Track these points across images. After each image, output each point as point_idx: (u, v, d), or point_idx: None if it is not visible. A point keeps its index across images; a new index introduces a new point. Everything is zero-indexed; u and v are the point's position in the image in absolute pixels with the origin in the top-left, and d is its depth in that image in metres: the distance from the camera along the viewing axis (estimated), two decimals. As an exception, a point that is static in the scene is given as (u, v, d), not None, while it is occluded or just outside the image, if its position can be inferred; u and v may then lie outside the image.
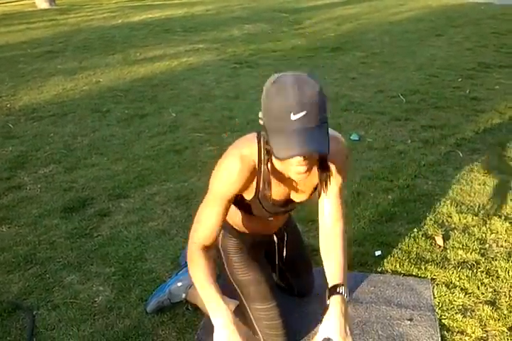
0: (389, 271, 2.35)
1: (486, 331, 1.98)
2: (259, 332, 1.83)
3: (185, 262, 1.96)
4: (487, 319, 2.04)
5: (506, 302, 2.13)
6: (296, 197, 1.67)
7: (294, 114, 1.24)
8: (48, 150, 3.79)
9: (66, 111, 4.64)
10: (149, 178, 3.30)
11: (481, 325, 2.01)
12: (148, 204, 2.97)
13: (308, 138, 1.26)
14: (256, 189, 1.56)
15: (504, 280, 2.26)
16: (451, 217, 2.77)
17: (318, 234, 1.78)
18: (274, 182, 1.56)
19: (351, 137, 3.86)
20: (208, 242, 1.56)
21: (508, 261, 2.39)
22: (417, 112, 4.41)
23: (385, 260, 2.41)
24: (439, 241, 2.55)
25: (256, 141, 1.51)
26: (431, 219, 2.75)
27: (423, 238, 2.59)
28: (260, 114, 1.35)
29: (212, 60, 6.57)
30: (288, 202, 1.68)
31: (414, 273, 2.32)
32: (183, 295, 2.07)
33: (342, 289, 1.51)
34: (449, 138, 3.84)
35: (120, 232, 2.69)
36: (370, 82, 5.35)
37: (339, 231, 1.66)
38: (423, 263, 2.39)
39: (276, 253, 2.02)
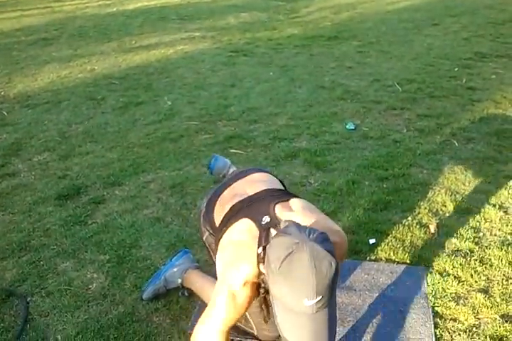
0: (383, 259, 2.35)
1: (479, 318, 2.00)
2: (251, 320, 1.83)
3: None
4: (480, 306, 2.05)
5: (499, 290, 2.14)
6: None
7: (308, 299, 1.16)
8: (42, 137, 3.77)
9: (61, 99, 4.61)
10: (144, 166, 3.29)
11: (473, 313, 2.02)
12: (142, 192, 2.96)
13: (320, 325, 1.20)
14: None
15: (497, 269, 2.27)
16: (445, 206, 2.78)
17: None
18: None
19: (347, 126, 3.85)
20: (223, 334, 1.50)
21: (502, 249, 2.40)
22: (413, 101, 4.40)
23: (379, 248, 2.42)
24: (433, 229, 2.56)
25: (254, 255, 1.39)
26: (425, 208, 2.76)
27: (417, 226, 2.60)
28: (260, 250, 1.33)
29: (207, 48, 6.53)
30: None
31: (408, 261, 2.33)
32: (179, 281, 2.07)
33: None
34: (445, 127, 3.84)
35: (114, 220, 2.68)
36: (366, 71, 5.33)
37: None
38: (417, 251, 2.40)
39: None
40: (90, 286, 2.20)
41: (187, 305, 2.06)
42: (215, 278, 1.94)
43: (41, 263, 2.35)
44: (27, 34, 7.49)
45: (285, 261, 1.17)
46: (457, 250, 2.41)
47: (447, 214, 2.70)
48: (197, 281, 2.04)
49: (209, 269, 2.26)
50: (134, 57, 6.10)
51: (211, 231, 1.76)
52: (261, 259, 1.33)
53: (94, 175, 3.18)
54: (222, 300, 1.44)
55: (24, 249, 2.46)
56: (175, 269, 2.11)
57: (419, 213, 2.72)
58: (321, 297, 1.16)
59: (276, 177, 1.85)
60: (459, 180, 3.06)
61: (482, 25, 7.66)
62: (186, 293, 2.09)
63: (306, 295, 1.15)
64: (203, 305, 2.00)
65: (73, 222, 2.67)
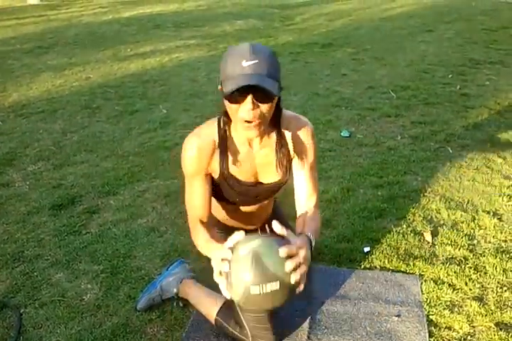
0: (377, 267, 2.35)
1: (474, 327, 1.99)
2: (245, 326, 1.83)
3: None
4: (474, 315, 2.05)
5: (493, 298, 2.14)
6: (264, 178, 1.73)
7: (246, 61, 1.37)
8: (36, 147, 3.77)
9: (56, 108, 4.61)
10: (139, 175, 3.29)
11: (468, 321, 2.02)
12: (137, 201, 2.96)
13: (256, 78, 1.36)
14: (219, 165, 1.64)
15: (492, 276, 2.27)
16: (440, 213, 2.78)
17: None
18: (234, 157, 1.65)
19: (342, 133, 3.86)
20: (203, 219, 1.68)
21: (496, 257, 2.41)
22: (408, 108, 4.41)
23: (374, 256, 2.42)
24: (428, 237, 2.56)
25: (216, 120, 1.64)
26: (420, 215, 2.76)
27: (412, 234, 2.60)
28: (219, 86, 1.48)
29: (203, 55, 6.55)
30: (257, 184, 1.74)
31: (402, 269, 2.32)
32: (174, 290, 2.07)
33: (310, 235, 1.52)
34: (439, 134, 3.85)
35: (109, 229, 2.68)
36: (360, 78, 5.35)
37: (312, 205, 1.76)
38: (411, 259, 2.40)
39: None
40: (84, 297, 2.18)
41: (181, 316, 2.05)
42: (211, 287, 1.95)
43: (35, 274, 2.34)
44: (22, 42, 7.51)
45: (229, 47, 1.46)
46: (452, 257, 2.41)
47: (441, 222, 2.71)
48: (192, 291, 2.03)
49: (205, 278, 2.26)
50: (130, 65, 6.11)
51: None
52: (219, 88, 1.50)
53: (88, 184, 3.18)
54: (186, 185, 1.67)
55: (18, 260, 2.44)
56: (171, 278, 2.11)
57: (413, 221, 2.72)
58: (257, 61, 1.37)
59: None
60: (453, 187, 3.06)
61: (476, 31, 7.72)
62: (181, 304, 2.08)
63: (243, 57, 1.37)
64: (198, 316, 2.01)
65: (67, 232, 2.66)
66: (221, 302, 1.93)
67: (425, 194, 2.99)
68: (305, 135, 1.70)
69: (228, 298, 1.36)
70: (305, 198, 1.76)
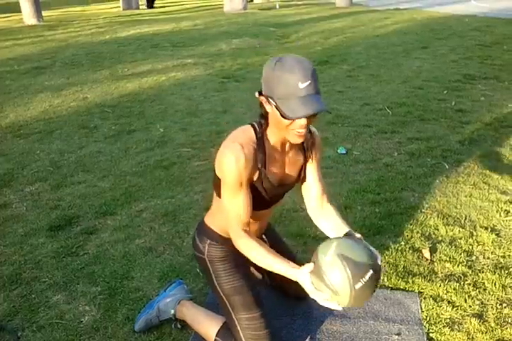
0: (377, 285, 2.34)
1: (474, 344, 1.98)
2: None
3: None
4: (474, 332, 2.04)
5: (493, 314, 2.13)
6: (287, 179, 1.81)
7: (301, 83, 1.50)
8: (34, 167, 3.77)
9: (53, 128, 4.63)
10: (136, 195, 3.29)
11: (468, 338, 2.01)
12: (135, 222, 2.95)
13: (315, 101, 1.52)
14: (259, 168, 1.70)
15: (491, 293, 2.27)
16: (437, 230, 2.78)
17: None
18: (271, 158, 1.73)
19: (338, 150, 3.88)
20: (247, 227, 1.71)
21: (495, 273, 2.40)
22: (403, 125, 4.44)
23: (373, 274, 2.41)
24: (426, 254, 2.56)
25: (251, 128, 1.70)
26: (418, 232, 2.76)
27: (410, 251, 2.59)
28: (257, 94, 1.62)
29: (200, 74, 6.60)
30: (281, 182, 1.79)
31: (401, 287, 2.32)
32: (172, 311, 2.06)
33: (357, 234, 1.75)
34: (435, 150, 3.87)
35: (106, 250, 2.67)
36: (356, 95, 5.39)
37: (332, 210, 1.92)
38: (410, 276, 2.39)
39: None
40: (82, 319, 2.17)
41: (180, 337, 2.04)
42: (211, 308, 1.95)
43: (32, 296, 2.33)
44: (19, 63, 7.56)
45: (276, 64, 1.54)
46: (450, 274, 2.41)
47: (440, 238, 2.71)
48: (190, 313, 2.02)
49: (203, 299, 2.26)
50: (127, 84, 6.15)
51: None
52: (261, 99, 1.62)
53: (86, 204, 3.17)
54: (229, 195, 1.69)
55: (15, 282, 2.43)
56: (168, 299, 2.10)
57: (411, 237, 2.72)
58: (310, 81, 1.51)
59: None
60: (450, 203, 3.07)
61: (470, 47, 7.80)
62: (179, 325, 2.07)
63: (298, 79, 1.50)
64: (197, 337, 1.99)
65: (65, 253, 2.65)
66: (220, 323, 1.92)
67: (423, 210, 3.00)
68: (316, 137, 1.86)
69: (340, 308, 1.52)
70: (320, 196, 1.94)
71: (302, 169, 1.85)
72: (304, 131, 1.60)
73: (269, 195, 1.79)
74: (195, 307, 2.06)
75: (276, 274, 2.10)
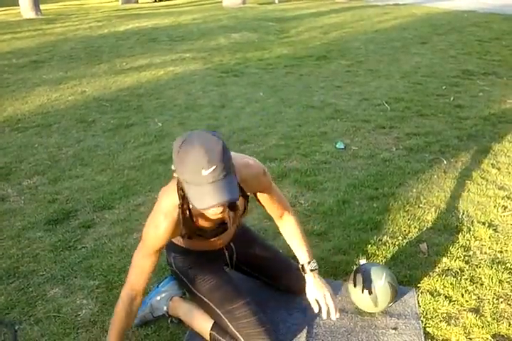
0: (374, 279, 2.34)
1: (470, 339, 1.99)
2: (240, 337, 1.82)
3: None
4: (471, 326, 2.05)
5: (490, 309, 2.14)
6: (228, 218, 1.76)
7: (205, 170, 1.39)
8: (32, 161, 3.76)
9: (51, 122, 4.62)
10: (134, 189, 3.29)
11: (465, 333, 2.01)
12: (132, 216, 2.95)
13: (221, 189, 1.42)
14: (185, 228, 1.70)
15: (488, 288, 2.27)
16: (435, 225, 2.79)
17: (287, 245, 1.96)
18: (201, 218, 1.72)
19: (337, 145, 3.88)
20: (137, 287, 1.76)
21: (492, 268, 2.41)
22: (402, 120, 4.44)
23: (370, 269, 2.41)
24: (424, 248, 2.56)
25: (176, 189, 1.62)
26: (415, 227, 2.77)
27: (408, 246, 2.60)
28: (173, 167, 1.49)
29: (198, 69, 6.58)
30: (221, 224, 1.81)
31: (399, 282, 2.31)
32: (165, 308, 2.06)
33: (312, 265, 1.92)
34: (434, 145, 3.87)
35: (104, 244, 2.67)
36: (355, 90, 5.38)
37: (291, 219, 1.99)
38: (408, 271, 2.40)
39: (229, 265, 2.14)
40: (79, 313, 2.17)
41: (177, 331, 2.04)
42: (200, 304, 1.96)
43: (30, 289, 2.33)
44: (18, 57, 7.54)
45: (181, 148, 1.42)
46: (448, 269, 2.41)
47: (437, 233, 2.71)
48: (182, 309, 2.03)
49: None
50: (125, 78, 6.13)
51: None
52: (175, 175, 1.52)
53: (84, 198, 3.17)
54: (140, 254, 1.74)
55: (13, 276, 2.43)
56: (160, 296, 2.10)
57: (409, 232, 2.72)
58: (215, 167, 1.39)
59: None
60: (448, 199, 3.07)
61: (469, 43, 7.79)
62: (175, 320, 2.07)
63: (201, 166, 1.39)
64: (193, 332, 2.00)
65: (62, 247, 2.65)
66: (214, 318, 1.93)
67: (420, 205, 3.00)
68: (257, 178, 1.79)
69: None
70: (280, 218, 2.00)
71: (241, 209, 1.80)
72: (220, 210, 1.56)
73: (212, 234, 1.83)
74: (188, 303, 2.06)
75: (269, 270, 2.15)
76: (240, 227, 2.15)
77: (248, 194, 1.79)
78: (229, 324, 1.84)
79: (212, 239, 1.88)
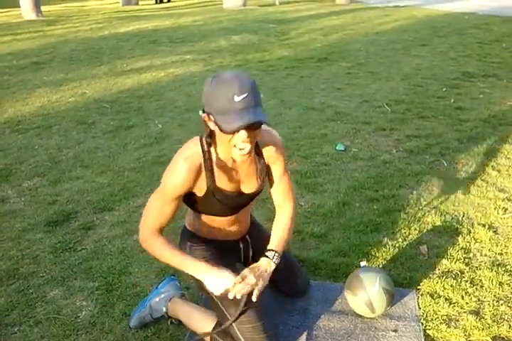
0: (374, 281, 2.34)
1: (471, 341, 1.99)
2: (242, 340, 1.82)
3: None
4: (471, 329, 2.04)
5: (490, 311, 2.14)
6: (246, 189, 1.80)
7: (237, 96, 1.48)
8: (32, 163, 3.76)
9: (51, 124, 4.62)
10: (134, 190, 3.28)
11: (465, 335, 2.01)
12: (133, 217, 2.95)
13: (251, 113, 1.50)
14: (206, 183, 1.71)
15: (488, 290, 2.27)
16: (435, 227, 2.79)
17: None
18: (220, 173, 1.72)
19: (337, 147, 3.88)
20: (158, 227, 1.74)
21: (492, 270, 2.41)
22: (402, 122, 4.44)
23: (370, 271, 2.41)
24: (424, 250, 2.56)
25: (198, 141, 1.70)
26: (415, 229, 2.77)
27: (408, 248, 2.60)
28: (200, 112, 1.59)
29: (199, 70, 6.59)
30: (240, 194, 1.81)
31: (399, 284, 2.31)
32: (164, 309, 2.05)
33: (275, 256, 1.83)
34: (434, 147, 3.87)
35: (104, 246, 2.67)
36: (355, 92, 5.38)
37: (288, 210, 1.95)
38: (408, 273, 2.40)
39: (243, 260, 2.07)
40: (79, 314, 2.17)
41: (177, 333, 2.04)
42: (208, 301, 1.94)
43: (30, 291, 2.33)
44: (18, 58, 7.55)
45: (213, 81, 1.54)
46: (448, 271, 2.41)
47: (437, 235, 2.71)
48: (183, 310, 2.02)
49: (200, 294, 2.25)
50: (125, 80, 6.14)
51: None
52: (204, 116, 1.60)
53: (84, 200, 3.17)
54: (159, 200, 1.72)
55: (13, 277, 2.43)
56: (159, 298, 2.09)
57: (409, 234, 2.72)
58: (247, 94, 1.48)
59: None
60: (448, 201, 3.07)
61: (469, 45, 7.79)
62: (175, 321, 2.07)
63: (234, 92, 1.48)
64: (193, 333, 1.99)
65: (62, 248, 2.65)
66: (215, 318, 1.91)
67: (420, 207, 3.00)
68: (277, 147, 1.83)
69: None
70: (280, 203, 1.96)
71: (261, 176, 1.83)
72: (248, 148, 1.59)
73: (228, 205, 1.80)
74: (188, 304, 2.05)
75: (278, 271, 2.13)
76: (256, 224, 2.16)
77: (267, 165, 1.83)
78: (236, 328, 1.83)
79: (229, 217, 1.85)
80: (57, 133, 4.37)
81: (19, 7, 12.74)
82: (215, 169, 1.70)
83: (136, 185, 3.36)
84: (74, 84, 6.00)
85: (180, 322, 2.05)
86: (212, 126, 1.58)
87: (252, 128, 1.54)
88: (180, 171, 1.65)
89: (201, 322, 1.94)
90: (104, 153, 3.92)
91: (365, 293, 2.04)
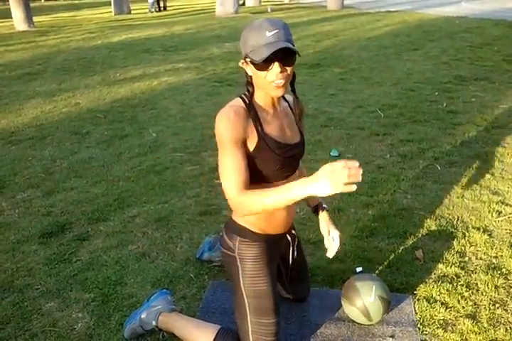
0: (370, 287, 2.34)
1: (468, 345, 1.99)
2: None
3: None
4: (468, 333, 2.04)
5: (486, 315, 2.14)
6: (290, 138, 1.80)
7: (269, 32, 1.55)
8: (26, 174, 3.75)
9: (45, 134, 4.61)
10: (129, 200, 3.28)
11: (462, 339, 2.01)
12: (128, 227, 2.94)
13: (282, 43, 1.55)
14: (256, 131, 1.69)
15: (484, 293, 2.27)
16: (430, 231, 2.79)
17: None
18: (265, 121, 1.73)
19: (331, 153, 3.88)
20: (242, 184, 1.62)
21: (488, 273, 2.41)
22: (395, 127, 4.45)
23: (366, 276, 2.41)
24: (419, 255, 2.56)
25: (239, 98, 1.73)
26: (411, 234, 2.77)
27: (403, 252, 2.60)
28: (240, 63, 1.66)
29: (192, 78, 6.60)
30: (286, 141, 1.77)
31: (395, 289, 2.32)
32: (154, 323, 2.03)
33: (324, 205, 2.08)
34: (427, 151, 3.89)
35: (99, 257, 2.66)
36: (348, 98, 5.40)
37: (304, 170, 2.07)
38: (404, 278, 2.40)
39: (289, 255, 2.04)
40: (75, 326, 2.16)
41: (173, 343, 2.03)
42: (205, 314, 1.93)
43: (25, 304, 2.31)
44: (11, 69, 7.54)
45: (249, 24, 1.62)
46: (443, 275, 2.41)
47: (432, 239, 2.71)
48: (178, 324, 1.97)
49: (196, 304, 2.25)
50: (119, 89, 6.14)
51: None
52: (241, 62, 1.67)
53: (78, 211, 3.16)
54: (226, 156, 1.65)
55: (8, 290, 2.42)
56: (149, 312, 2.06)
57: (404, 239, 2.72)
58: (278, 30, 1.56)
59: None
60: (442, 205, 3.08)
61: (461, 49, 7.84)
62: (166, 335, 2.04)
63: (265, 28, 1.56)
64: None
65: (57, 260, 2.64)
66: (215, 331, 1.88)
67: (415, 212, 3.01)
68: (300, 103, 1.88)
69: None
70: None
71: (299, 125, 1.87)
72: (283, 81, 1.61)
73: (281, 155, 1.73)
74: (182, 318, 2.02)
75: (289, 278, 2.13)
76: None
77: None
78: (250, 334, 1.81)
79: (281, 182, 1.75)
80: (50, 144, 4.36)
81: (11, 18, 12.75)
82: (261, 117, 1.73)
83: (131, 194, 3.36)
84: (67, 94, 6.00)
85: (173, 335, 2.03)
86: (249, 71, 1.65)
87: (285, 61, 1.58)
88: (229, 117, 1.64)
89: (200, 335, 1.91)
90: (99, 163, 3.91)
91: (362, 303, 2.05)
